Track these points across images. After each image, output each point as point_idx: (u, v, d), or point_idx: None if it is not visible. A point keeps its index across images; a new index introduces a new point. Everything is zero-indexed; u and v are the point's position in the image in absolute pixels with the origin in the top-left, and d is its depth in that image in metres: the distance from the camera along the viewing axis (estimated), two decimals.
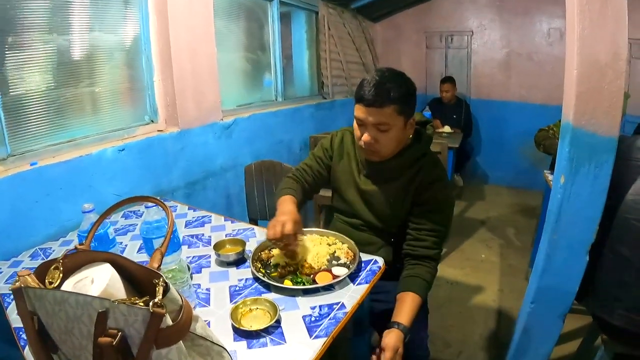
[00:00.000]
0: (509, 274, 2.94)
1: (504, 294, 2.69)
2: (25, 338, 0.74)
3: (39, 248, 1.51)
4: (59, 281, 0.72)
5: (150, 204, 1.03)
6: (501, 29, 4.59)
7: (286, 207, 1.36)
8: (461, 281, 2.85)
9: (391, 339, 1.17)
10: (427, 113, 3.82)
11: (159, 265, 0.76)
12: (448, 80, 4.23)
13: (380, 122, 1.26)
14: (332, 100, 3.87)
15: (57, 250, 1.49)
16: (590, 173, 1.31)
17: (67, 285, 0.71)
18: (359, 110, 1.28)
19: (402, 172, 1.40)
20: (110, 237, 1.14)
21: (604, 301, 1.44)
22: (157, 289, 0.66)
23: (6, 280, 1.30)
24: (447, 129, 4.00)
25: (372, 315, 1.43)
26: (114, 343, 0.60)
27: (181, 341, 0.68)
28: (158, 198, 0.88)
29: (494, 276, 2.93)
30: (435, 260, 1.38)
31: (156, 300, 0.62)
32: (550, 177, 2.45)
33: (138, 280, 0.73)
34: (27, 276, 0.72)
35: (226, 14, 2.63)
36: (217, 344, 0.78)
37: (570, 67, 1.27)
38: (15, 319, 1.03)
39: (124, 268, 0.73)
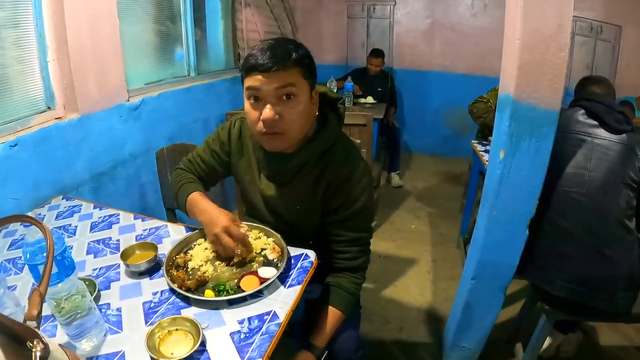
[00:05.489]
0: (440, 243, 3.00)
1: (437, 263, 2.73)
2: None
3: None
4: None
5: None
6: None
7: (208, 206, 1.17)
8: (393, 254, 2.85)
9: None
10: (349, 84, 3.66)
11: (39, 312, 0.56)
12: (380, 54, 4.04)
13: (286, 84, 1.00)
14: None
15: None
16: (531, 147, 1.28)
17: None
18: (254, 80, 1.01)
19: (307, 171, 1.17)
20: None
21: (545, 273, 1.46)
22: (33, 355, 0.47)
23: None
24: (370, 99, 3.90)
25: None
26: None
27: None
28: (31, 215, 0.67)
29: (426, 246, 2.97)
30: (362, 270, 1.23)
31: None
32: (478, 147, 2.48)
33: (17, 335, 0.54)
34: None
35: None
36: None
37: (512, 37, 1.20)
38: None
39: None
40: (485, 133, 2.77)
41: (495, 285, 1.56)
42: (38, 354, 0.48)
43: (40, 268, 0.86)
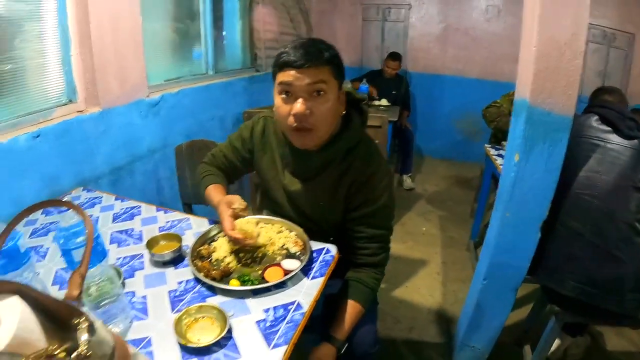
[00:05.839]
0: (450, 246, 3.02)
1: (447, 265, 2.75)
2: None
3: None
4: None
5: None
6: (439, 4, 4.60)
7: (215, 200, 1.23)
8: (404, 255, 2.88)
9: (318, 352, 1.15)
10: (365, 86, 3.70)
11: (80, 292, 0.60)
12: (397, 58, 4.07)
13: (317, 80, 1.04)
14: (266, 73, 3.65)
15: None
16: (544, 151, 1.31)
17: None
18: (287, 76, 1.04)
19: (331, 169, 1.20)
20: (22, 251, 0.92)
21: (555, 274, 1.49)
22: (78, 333, 0.50)
23: None
24: (384, 102, 3.92)
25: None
26: None
27: None
28: (71, 201, 0.70)
29: (436, 248, 2.99)
30: (381, 266, 1.26)
31: (80, 351, 0.47)
32: (491, 151, 2.49)
33: (55, 314, 0.57)
34: None
35: None
36: None
37: (528, 44, 1.23)
38: None
39: (36, 300, 0.57)
40: (498, 137, 2.80)
41: (507, 286, 1.58)
42: (85, 333, 0.50)
43: (74, 252, 0.91)
